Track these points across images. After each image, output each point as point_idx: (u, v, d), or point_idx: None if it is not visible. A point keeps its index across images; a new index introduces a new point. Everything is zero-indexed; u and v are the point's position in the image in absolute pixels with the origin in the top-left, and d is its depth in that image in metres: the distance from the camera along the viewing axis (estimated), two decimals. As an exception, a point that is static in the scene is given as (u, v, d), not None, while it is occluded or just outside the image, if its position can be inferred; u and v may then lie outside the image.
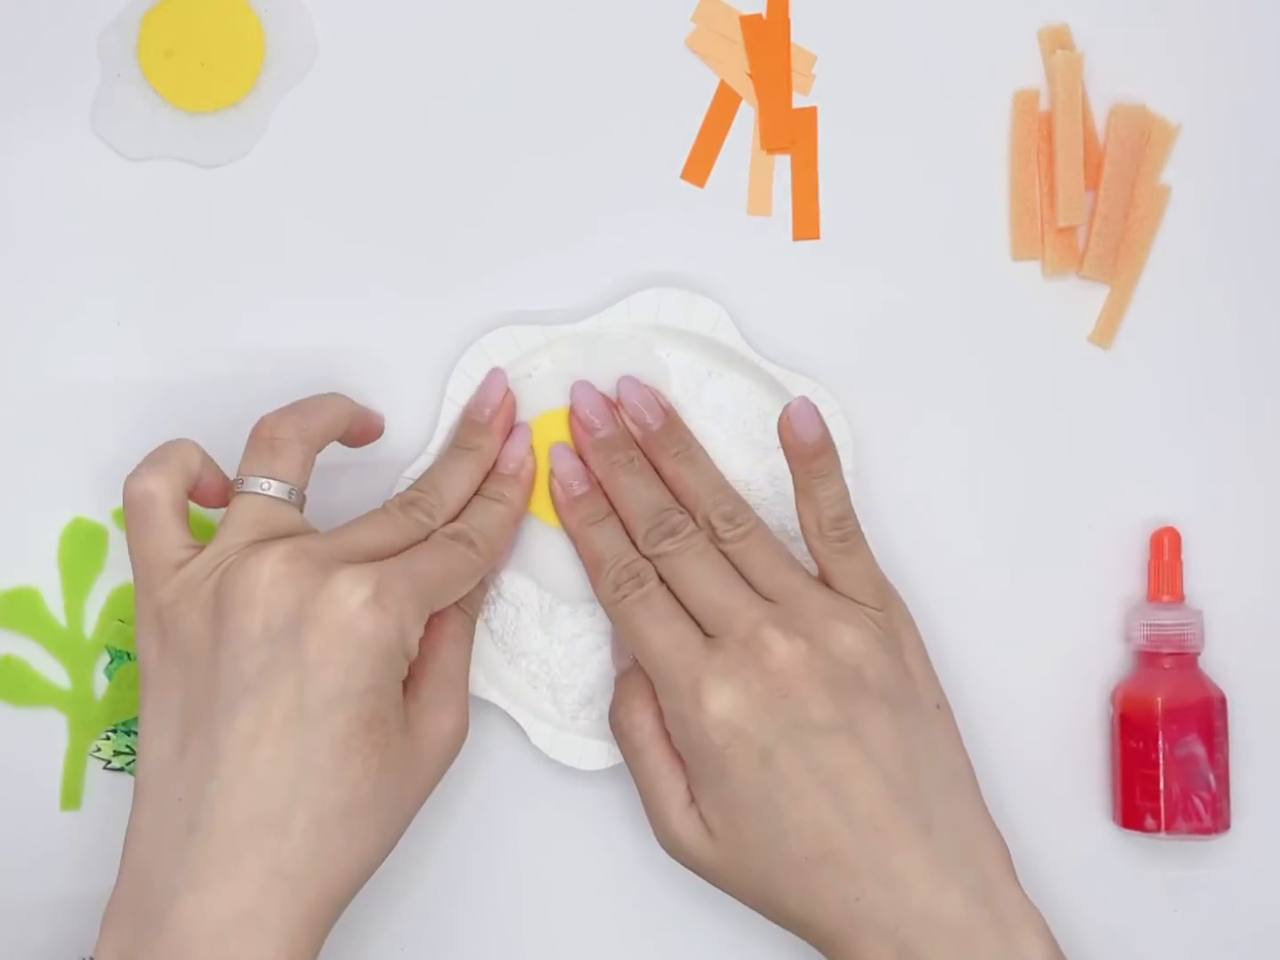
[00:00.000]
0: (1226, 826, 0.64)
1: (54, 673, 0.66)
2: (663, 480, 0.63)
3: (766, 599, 0.60)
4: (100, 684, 0.66)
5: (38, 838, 0.66)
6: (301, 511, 0.60)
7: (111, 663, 0.66)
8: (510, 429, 0.64)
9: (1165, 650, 0.64)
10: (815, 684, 0.58)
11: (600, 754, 0.64)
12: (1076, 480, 0.67)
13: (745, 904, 0.60)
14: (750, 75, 0.67)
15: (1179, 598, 0.65)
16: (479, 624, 0.65)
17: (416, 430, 0.66)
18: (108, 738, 0.66)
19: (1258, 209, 0.67)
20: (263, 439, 0.59)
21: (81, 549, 0.66)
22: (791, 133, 0.67)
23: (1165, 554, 0.65)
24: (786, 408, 0.60)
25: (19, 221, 0.67)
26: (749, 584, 0.60)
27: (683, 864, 0.61)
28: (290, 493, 0.59)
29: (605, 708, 0.64)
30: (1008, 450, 0.67)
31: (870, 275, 0.67)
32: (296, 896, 0.53)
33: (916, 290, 0.67)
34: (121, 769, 0.66)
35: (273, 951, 0.52)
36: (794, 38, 0.67)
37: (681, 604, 0.61)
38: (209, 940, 0.52)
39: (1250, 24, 0.68)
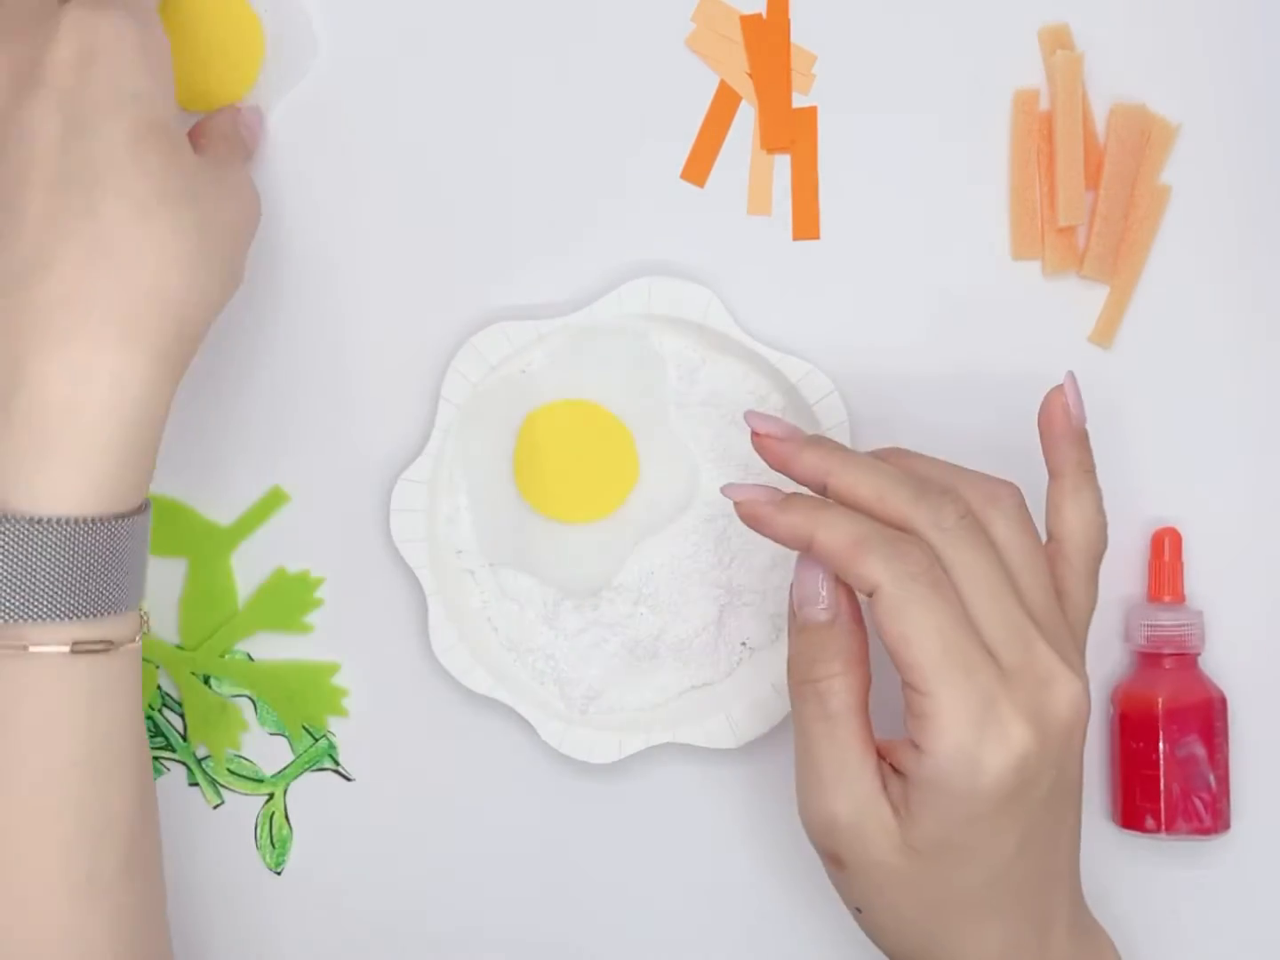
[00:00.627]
0: (1226, 827, 0.64)
1: (52, 673, 0.66)
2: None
3: (1030, 614, 0.54)
4: (98, 684, 0.66)
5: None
6: None
7: (109, 663, 0.66)
8: None
9: (1165, 650, 0.64)
10: (1081, 741, 0.55)
11: (610, 747, 0.64)
12: (1077, 480, 0.67)
13: (869, 921, 0.56)
14: (750, 75, 0.67)
15: (1179, 598, 0.65)
16: (483, 622, 0.65)
17: (413, 431, 0.66)
18: (105, 738, 0.66)
19: (1258, 209, 0.67)
20: None
21: (79, 549, 0.66)
22: (791, 133, 0.67)
23: (1165, 554, 0.65)
24: (1059, 386, 0.56)
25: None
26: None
27: (828, 843, 0.55)
28: None
29: (613, 701, 0.64)
30: (1007, 450, 0.67)
31: (870, 275, 0.67)
32: (137, 347, 0.53)
33: (916, 290, 0.67)
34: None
35: (138, 413, 0.53)
36: (794, 38, 0.67)
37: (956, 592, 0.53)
38: (55, 424, 0.52)
39: (1250, 24, 0.68)
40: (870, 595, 0.53)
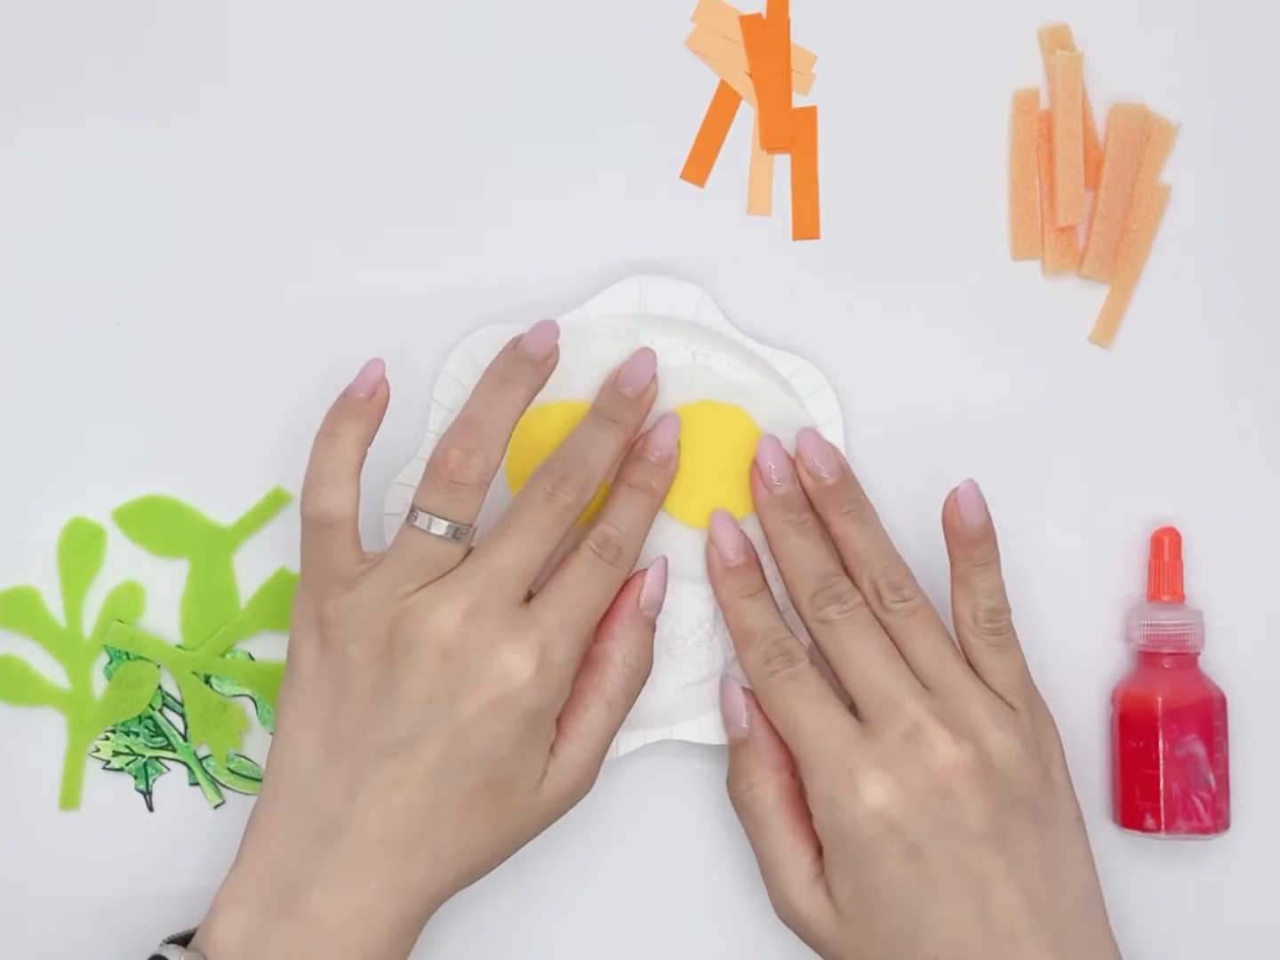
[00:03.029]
0: (1226, 826, 0.64)
1: (53, 673, 0.66)
2: (832, 540, 0.63)
3: (925, 686, 0.60)
4: (99, 684, 0.66)
5: (37, 838, 0.66)
6: (472, 542, 0.60)
7: (110, 663, 0.66)
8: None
9: (1165, 650, 0.64)
10: (976, 789, 0.58)
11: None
12: (1076, 480, 0.67)
13: None
14: (750, 75, 0.67)
15: (1179, 598, 0.65)
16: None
17: (406, 434, 0.66)
18: (107, 738, 0.66)
19: (1258, 209, 0.67)
20: (442, 477, 0.59)
21: (80, 549, 0.66)
22: (791, 132, 0.67)
23: (1165, 554, 0.65)
24: (955, 491, 0.61)
25: (17, 222, 0.67)
26: (908, 665, 0.61)
27: (797, 933, 0.61)
28: (458, 531, 0.59)
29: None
30: (1007, 450, 0.67)
31: (870, 275, 0.67)
32: (406, 906, 0.58)
33: (916, 290, 0.67)
34: (121, 769, 0.66)
35: (384, 947, 0.58)
36: (794, 38, 0.67)
37: (836, 677, 0.61)
38: (332, 931, 0.57)
39: (1250, 24, 0.68)
40: None
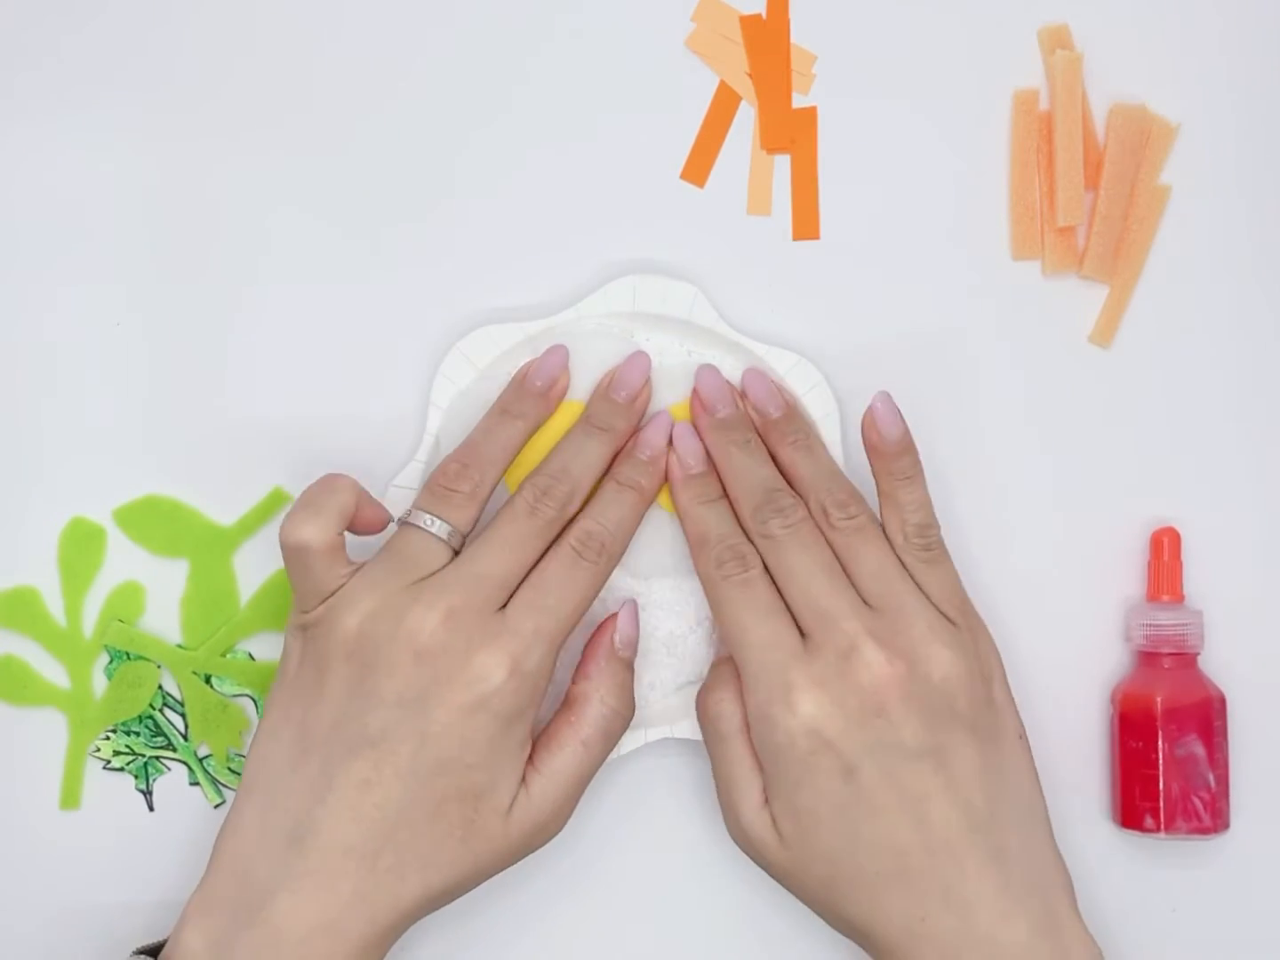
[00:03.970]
0: (1226, 826, 0.64)
1: (54, 673, 0.66)
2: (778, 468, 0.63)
3: (867, 603, 0.60)
4: (99, 684, 0.66)
5: (38, 837, 0.66)
6: (459, 550, 0.61)
7: (111, 663, 0.66)
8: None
9: (1165, 650, 0.64)
10: (910, 708, 0.58)
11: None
12: (1076, 480, 0.67)
13: (805, 904, 0.61)
14: (750, 75, 0.67)
15: (1179, 598, 0.65)
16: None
17: (404, 436, 0.66)
18: (107, 737, 0.66)
19: (1258, 209, 0.67)
20: (439, 484, 0.61)
21: (81, 549, 0.66)
22: (791, 133, 0.67)
23: (1165, 554, 0.65)
24: (869, 407, 0.61)
25: (19, 221, 0.67)
26: (852, 583, 0.60)
27: (750, 857, 0.61)
28: (451, 534, 0.60)
29: None
30: (1007, 450, 0.67)
31: (870, 275, 0.67)
32: (372, 917, 0.58)
33: (916, 290, 0.67)
34: (121, 769, 0.66)
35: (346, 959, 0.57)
36: (794, 38, 0.67)
37: (780, 593, 0.61)
38: (296, 940, 0.57)
39: (1250, 24, 0.68)
40: None
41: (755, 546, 0.61)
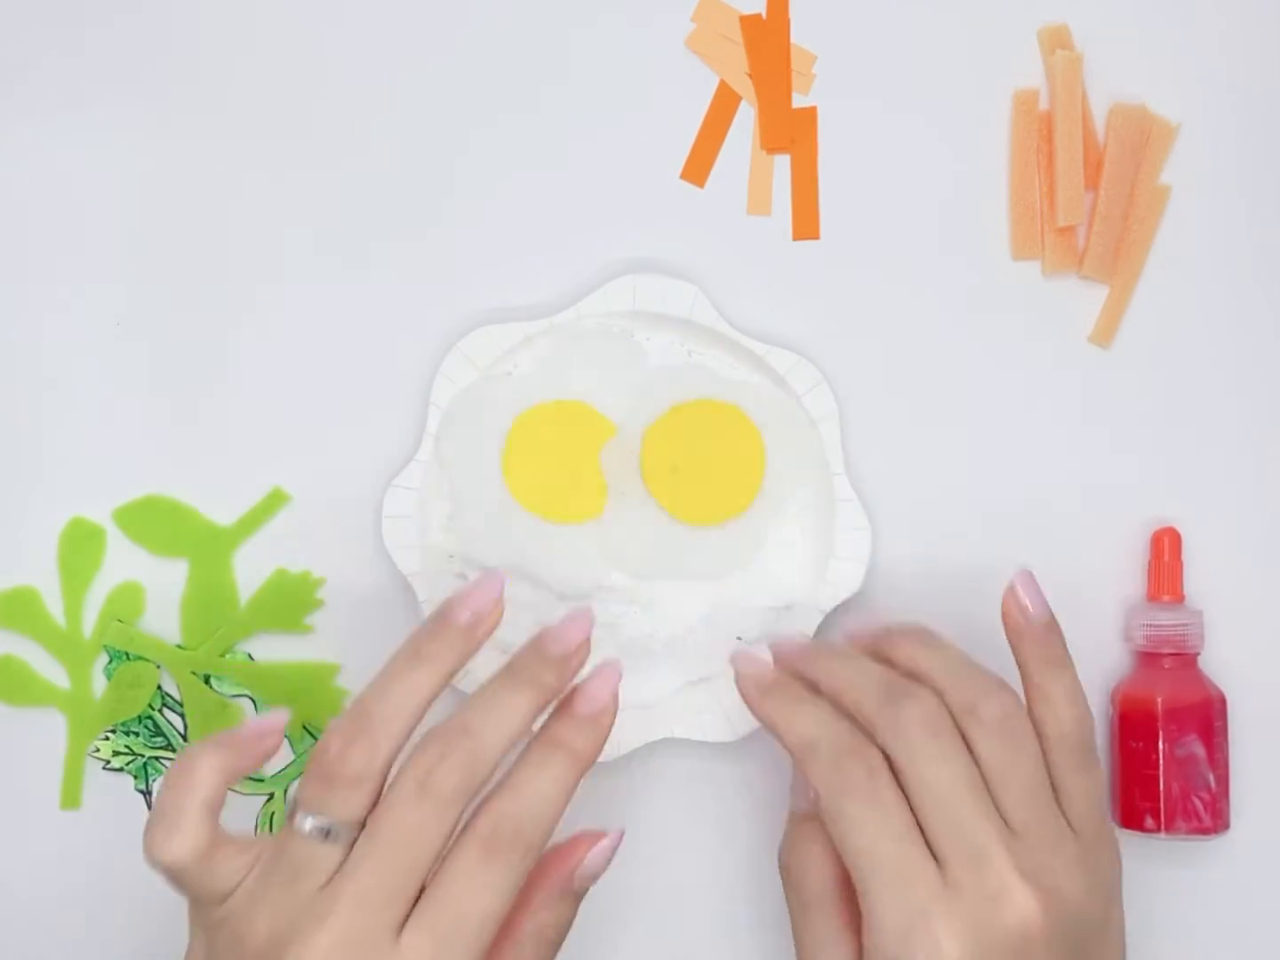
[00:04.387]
0: (1226, 826, 0.64)
1: (53, 673, 0.66)
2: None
3: (1008, 823, 0.53)
4: (99, 684, 0.66)
5: (38, 838, 0.66)
6: (352, 846, 0.51)
7: (110, 663, 0.66)
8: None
9: (1165, 650, 0.64)
10: (1052, 950, 0.52)
11: (608, 744, 0.64)
12: (1076, 480, 0.67)
13: None
14: (750, 75, 0.67)
15: (1179, 598, 0.65)
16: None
17: (404, 436, 0.66)
18: (107, 738, 0.66)
19: (1258, 209, 0.67)
20: (320, 767, 0.51)
21: (80, 549, 0.66)
22: (791, 133, 0.67)
23: (1165, 554, 0.65)
24: (1010, 585, 0.56)
25: (19, 221, 0.67)
26: (995, 800, 0.53)
27: None
28: (333, 833, 0.50)
29: None
30: (1007, 450, 0.67)
31: (870, 275, 0.67)
32: None
33: (916, 290, 0.67)
34: (121, 769, 0.66)
35: None
36: (794, 38, 0.67)
37: (904, 794, 0.53)
38: None
39: (1250, 24, 0.68)
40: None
41: (878, 740, 0.53)
